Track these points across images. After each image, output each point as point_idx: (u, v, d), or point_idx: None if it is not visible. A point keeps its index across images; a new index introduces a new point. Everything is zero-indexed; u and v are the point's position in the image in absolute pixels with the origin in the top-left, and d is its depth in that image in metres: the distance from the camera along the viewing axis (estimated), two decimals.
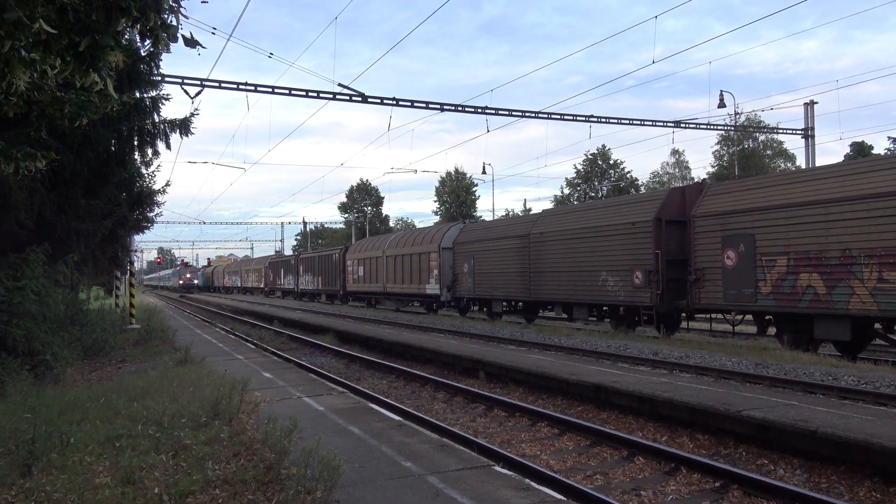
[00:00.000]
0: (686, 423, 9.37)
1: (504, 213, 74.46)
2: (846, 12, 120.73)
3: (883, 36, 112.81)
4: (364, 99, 23.29)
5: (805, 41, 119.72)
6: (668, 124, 30.52)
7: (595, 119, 27.92)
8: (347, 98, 23.09)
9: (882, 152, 54.76)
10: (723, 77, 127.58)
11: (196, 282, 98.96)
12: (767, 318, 16.76)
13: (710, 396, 9.48)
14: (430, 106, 24.93)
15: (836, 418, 7.94)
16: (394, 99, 23.99)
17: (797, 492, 6.50)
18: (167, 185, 22.32)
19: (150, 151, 15.91)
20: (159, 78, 16.80)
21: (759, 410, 8.49)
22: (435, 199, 78.49)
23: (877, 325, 14.46)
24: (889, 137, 56.91)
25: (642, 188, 66.24)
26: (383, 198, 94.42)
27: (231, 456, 6.60)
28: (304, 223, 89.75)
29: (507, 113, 26.15)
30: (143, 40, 5.21)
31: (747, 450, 8.37)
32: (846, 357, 14.43)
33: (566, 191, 69.43)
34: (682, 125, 30.85)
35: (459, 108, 25.49)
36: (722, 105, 31.51)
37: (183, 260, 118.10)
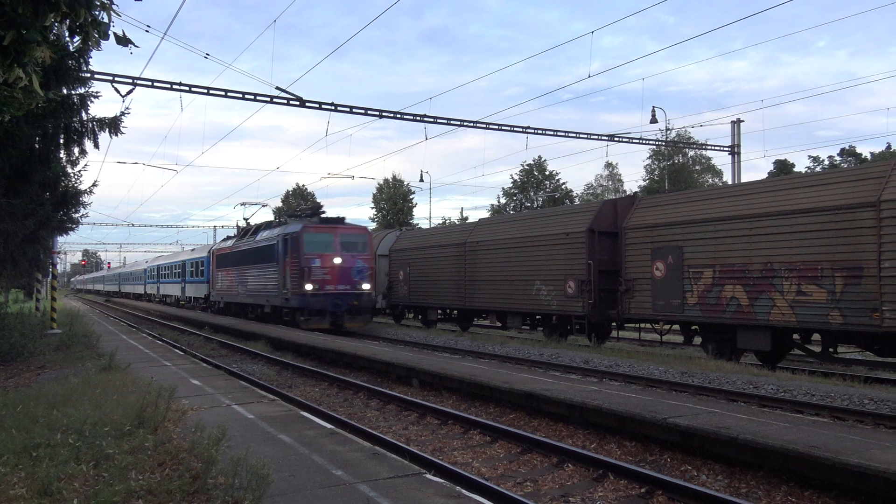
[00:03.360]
0: (614, 430, 9.58)
1: (441, 221, 74.74)
2: (774, 35, 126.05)
3: (808, 59, 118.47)
4: (302, 103, 23.05)
5: (735, 61, 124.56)
6: (603, 138, 31.18)
7: (532, 130, 28.29)
8: (285, 102, 22.81)
9: (803, 170, 57.36)
10: (656, 94, 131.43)
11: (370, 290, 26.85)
12: (694, 328, 17.29)
13: (637, 404, 9.71)
14: (369, 112, 24.85)
15: (756, 425, 8.25)
16: (332, 104, 23.79)
17: (718, 497, 6.72)
18: (94, 185, 21.51)
19: (76, 150, 15.45)
20: (89, 75, 16.28)
21: (683, 418, 8.75)
22: (372, 205, 78.20)
23: (795, 336, 15.10)
24: (810, 156, 59.78)
25: (577, 200, 67.51)
26: (320, 204, 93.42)
27: (156, 465, 6.42)
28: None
29: (445, 122, 26.25)
30: (72, 36, 5.06)
31: (672, 456, 8.61)
32: (767, 366, 15.02)
33: (503, 200, 70.22)
34: (616, 139, 31.58)
35: (398, 116, 25.48)
36: (654, 120, 32.40)
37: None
